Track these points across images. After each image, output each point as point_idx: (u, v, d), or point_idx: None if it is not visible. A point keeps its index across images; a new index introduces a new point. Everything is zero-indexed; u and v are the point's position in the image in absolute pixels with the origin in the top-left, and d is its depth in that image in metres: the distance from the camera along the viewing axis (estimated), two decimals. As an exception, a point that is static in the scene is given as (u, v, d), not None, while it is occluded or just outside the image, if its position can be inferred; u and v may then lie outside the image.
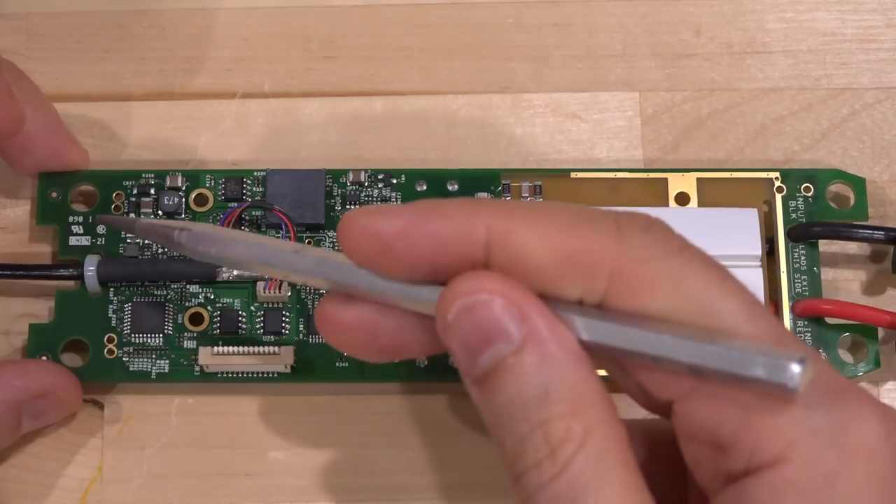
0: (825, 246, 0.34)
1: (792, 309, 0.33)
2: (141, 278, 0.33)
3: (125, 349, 0.33)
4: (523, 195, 0.34)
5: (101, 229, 0.33)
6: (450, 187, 0.34)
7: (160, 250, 0.33)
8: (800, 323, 0.33)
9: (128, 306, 0.33)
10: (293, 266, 0.25)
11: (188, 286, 0.33)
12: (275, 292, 0.32)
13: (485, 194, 0.34)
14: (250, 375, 0.32)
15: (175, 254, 0.33)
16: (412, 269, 0.23)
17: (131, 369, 0.32)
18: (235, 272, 0.33)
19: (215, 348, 0.32)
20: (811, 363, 0.21)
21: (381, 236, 0.23)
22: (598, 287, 0.22)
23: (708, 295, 0.22)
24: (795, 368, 0.21)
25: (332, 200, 0.34)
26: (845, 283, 0.34)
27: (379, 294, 0.24)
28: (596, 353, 0.23)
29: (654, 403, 0.23)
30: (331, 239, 0.33)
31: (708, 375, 0.21)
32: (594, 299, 0.22)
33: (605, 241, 0.22)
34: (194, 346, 0.33)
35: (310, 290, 0.33)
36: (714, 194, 0.34)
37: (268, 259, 0.25)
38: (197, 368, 0.32)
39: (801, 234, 0.33)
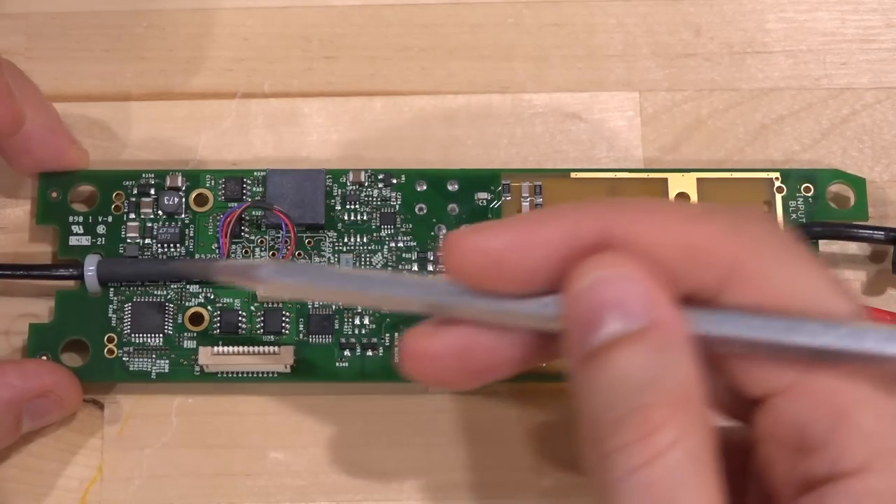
0: (825, 246, 0.34)
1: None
2: (141, 278, 0.33)
3: (125, 349, 0.33)
4: (523, 195, 0.34)
5: (101, 229, 0.33)
6: (450, 187, 0.34)
7: (160, 250, 0.33)
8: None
9: (128, 306, 0.33)
10: (393, 291, 0.24)
11: (188, 286, 0.33)
12: (275, 292, 0.32)
13: (485, 194, 0.34)
14: (250, 375, 0.32)
15: (176, 254, 0.33)
16: (525, 282, 0.23)
17: (131, 369, 0.32)
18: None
19: (215, 348, 0.32)
20: None
21: (491, 251, 0.22)
22: (713, 280, 0.22)
23: (821, 293, 0.22)
24: None
25: (332, 200, 0.34)
26: (845, 284, 0.34)
27: (486, 312, 0.23)
28: (705, 347, 0.22)
29: (738, 406, 0.23)
30: (330, 239, 0.33)
31: (829, 359, 0.21)
32: (706, 294, 0.22)
33: (724, 234, 0.22)
34: (194, 346, 0.32)
35: (310, 290, 0.33)
36: (714, 194, 0.34)
37: (364, 286, 0.24)
38: (197, 368, 0.32)
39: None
